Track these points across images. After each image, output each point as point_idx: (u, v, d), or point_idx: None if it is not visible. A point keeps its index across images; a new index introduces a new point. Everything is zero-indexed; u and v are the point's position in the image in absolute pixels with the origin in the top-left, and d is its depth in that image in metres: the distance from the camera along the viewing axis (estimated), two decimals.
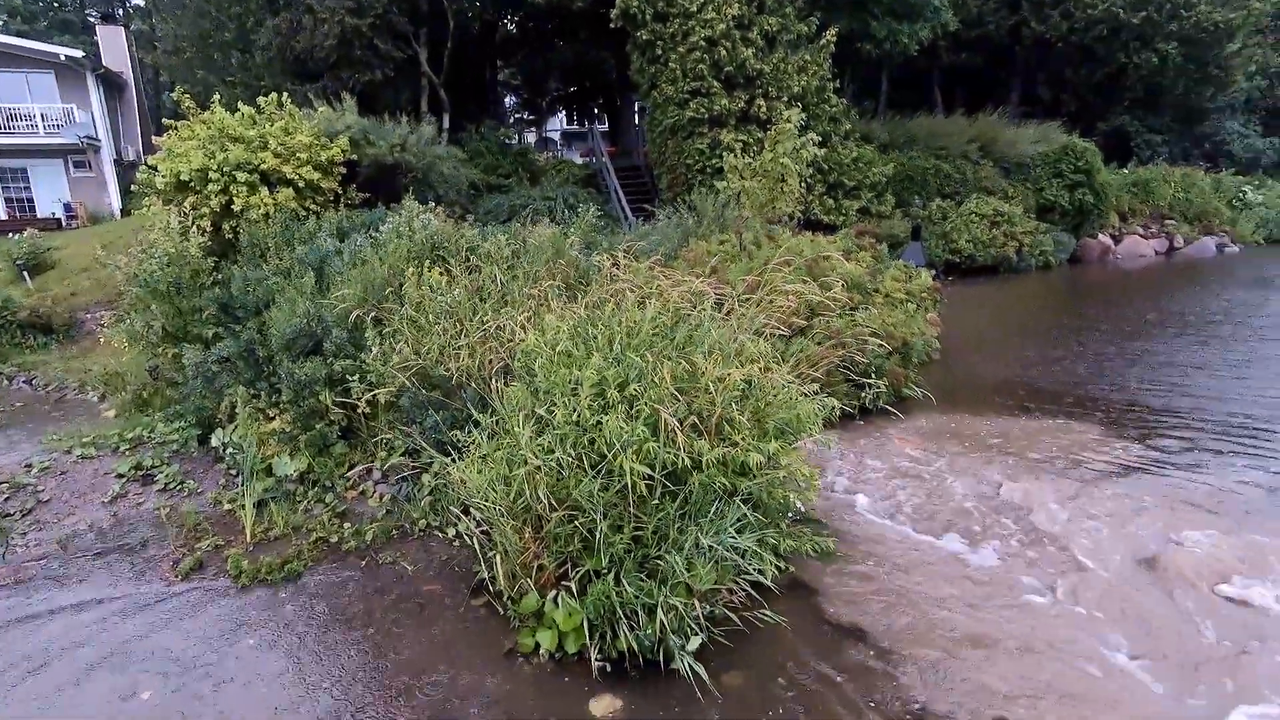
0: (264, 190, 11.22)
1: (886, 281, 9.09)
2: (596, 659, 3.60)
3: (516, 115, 31.72)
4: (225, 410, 6.49)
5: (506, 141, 20.44)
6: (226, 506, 5.60)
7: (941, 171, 19.16)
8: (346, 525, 5.26)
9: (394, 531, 5.19)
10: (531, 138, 33.77)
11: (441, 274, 6.78)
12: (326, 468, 5.84)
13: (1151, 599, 4.27)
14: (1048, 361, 9.93)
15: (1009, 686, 3.57)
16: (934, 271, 12.72)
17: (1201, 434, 6.92)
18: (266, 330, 6.73)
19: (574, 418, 4.12)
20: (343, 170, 12.53)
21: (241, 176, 10.97)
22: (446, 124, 18.20)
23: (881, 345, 7.28)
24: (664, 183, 16.76)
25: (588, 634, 3.65)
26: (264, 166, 11.27)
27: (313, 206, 11.74)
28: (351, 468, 5.96)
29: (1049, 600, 4.30)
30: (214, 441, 6.39)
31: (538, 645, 3.81)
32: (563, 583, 3.84)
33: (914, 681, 3.62)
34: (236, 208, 10.86)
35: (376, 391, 5.57)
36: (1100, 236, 20.88)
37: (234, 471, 6.03)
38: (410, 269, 6.73)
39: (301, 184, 11.63)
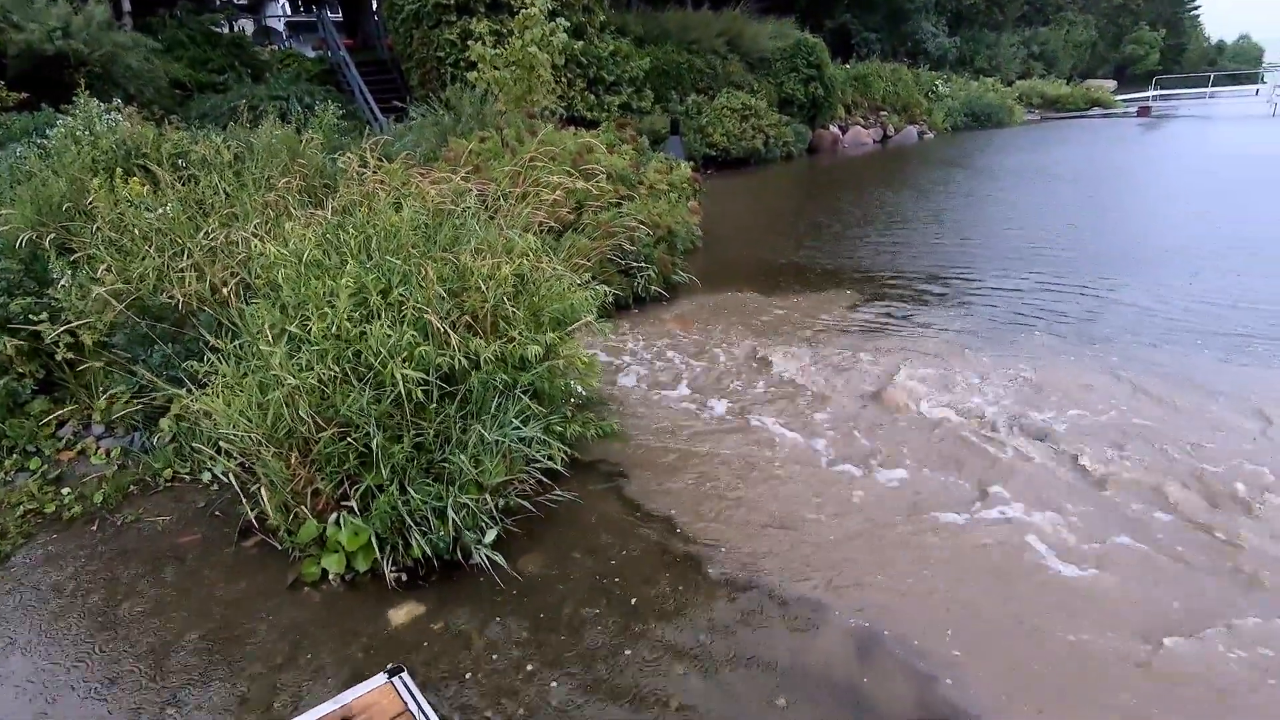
0: None
1: (649, 173, 9.35)
2: (391, 571, 3.52)
3: None
4: None
5: (215, 29, 17.17)
6: None
7: (695, 67, 19.77)
8: (66, 491, 4.45)
9: (131, 488, 4.50)
10: (249, 27, 28.67)
11: (143, 185, 5.67)
12: (24, 430, 4.82)
13: (871, 420, 5.12)
14: (797, 242, 11.08)
15: (766, 517, 4.13)
16: (693, 164, 13.33)
17: (918, 294, 8.28)
18: None
19: (333, 331, 3.79)
20: None
21: None
22: (127, 5, 14.78)
23: (649, 234, 7.57)
24: (414, 79, 15.36)
25: (378, 549, 3.53)
26: None
27: None
28: (62, 425, 4.99)
29: (797, 435, 4.97)
30: None
31: (325, 572, 3.61)
32: (343, 504, 3.63)
33: (698, 532, 4.04)
34: None
35: (73, 325, 4.63)
36: (831, 128, 23.22)
37: None
38: (98, 181, 5.53)
39: None
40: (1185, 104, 36.94)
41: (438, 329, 3.83)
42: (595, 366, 5.02)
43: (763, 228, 12.52)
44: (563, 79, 14.47)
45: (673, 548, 3.90)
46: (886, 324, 7.22)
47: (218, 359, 4.02)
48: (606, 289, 5.19)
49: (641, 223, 7.28)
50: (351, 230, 4.59)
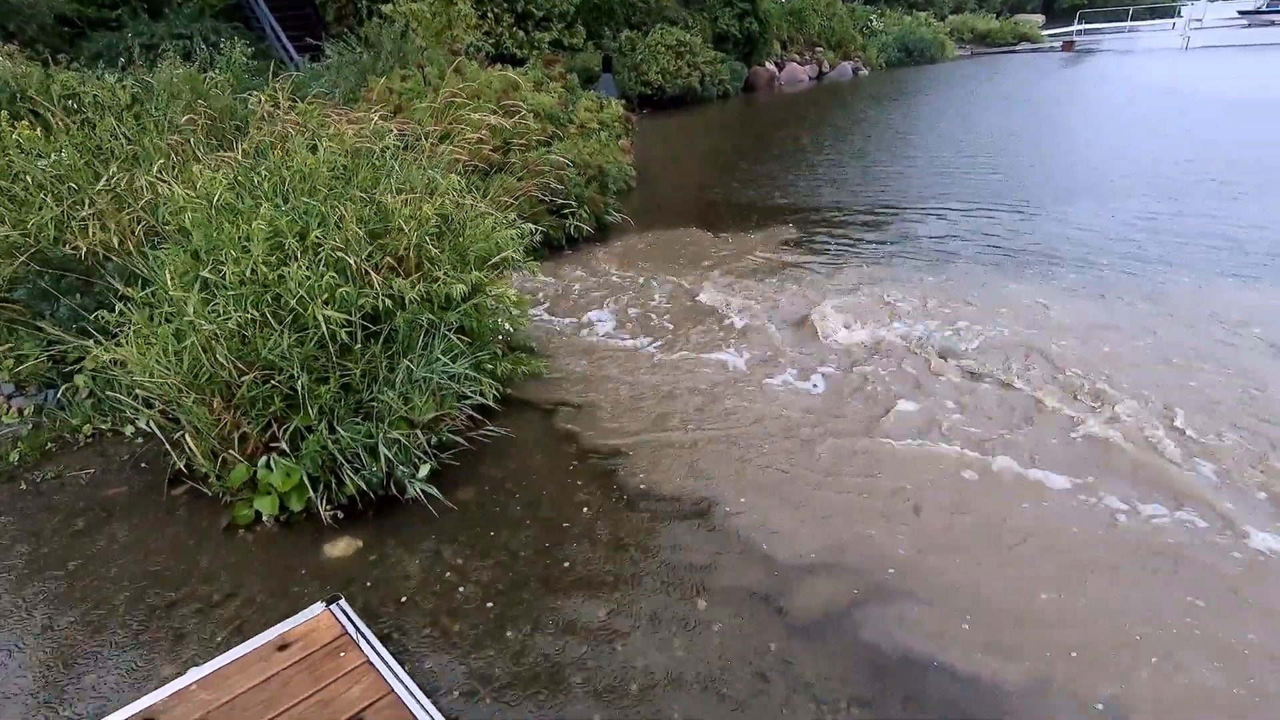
0: None
1: (579, 112, 9.21)
2: (326, 509, 3.58)
3: None
4: None
5: None
6: None
7: (628, 1, 19.21)
8: None
9: (50, 445, 4.39)
10: None
11: (33, 129, 5.32)
12: None
13: (795, 346, 5.36)
14: (733, 180, 11.14)
15: (699, 435, 4.33)
16: (628, 103, 13.13)
17: (848, 227, 8.50)
18: None
19: (249, 275, 3.73)
20: None
21: None
22: None
23: (579, 174, 7.52)
24: (330, 13, 14.51)
25: (311, 489, 3.58)
26: None
27: None
28: None
29: (722, 362, 5.17)
30: None
31: (258, 515, 3.66)
32: (272, 446, 3.65)
33: (624, 457, 4.21)
34: None
35: None
36: (767, 65, 23.06)
37: None
38: None
39: None
40: (1107, 38, 37.86)
41: (359, 270, 3.81)
42: (525, 305, 5.07)
43: (699, 167, 12.52)
44: (488, 14, 13.90)
45: (600, 472, 4.07)
46: (817, 256, 7.43)
47: (128, 308, 3.90)
48: (534, 227, 5.19)
49: (571, 162, 7.21)
50: (265, 173, 4.46)
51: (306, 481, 3.57)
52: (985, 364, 5.00)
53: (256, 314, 3.64)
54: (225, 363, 3.52)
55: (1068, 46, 34.80)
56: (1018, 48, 35.33)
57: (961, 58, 31.75)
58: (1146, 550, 3.34)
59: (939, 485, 3.83)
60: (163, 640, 3.02)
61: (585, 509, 3.77)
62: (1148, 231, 7.66)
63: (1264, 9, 39.06)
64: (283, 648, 2.73)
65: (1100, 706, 2.61)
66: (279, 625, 2.88)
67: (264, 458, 3.65)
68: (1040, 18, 43.78)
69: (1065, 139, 13.63)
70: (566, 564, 3.39)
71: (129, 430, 4.42)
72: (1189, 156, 10.98)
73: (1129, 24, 40.17)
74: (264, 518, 3.65)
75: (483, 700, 2.72)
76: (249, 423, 3.64)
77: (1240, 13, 40.49)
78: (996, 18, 39.35)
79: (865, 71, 26.48)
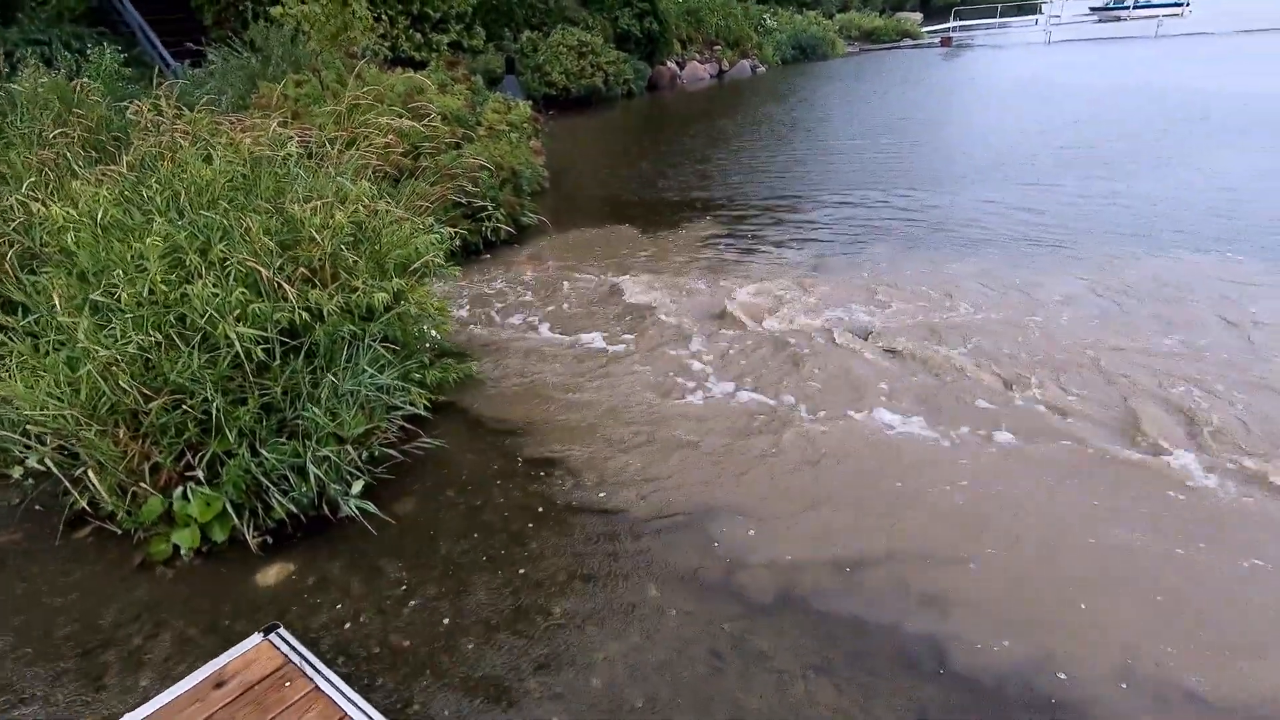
0: None
1: (487, 114, 9.07)
2: (253, 536, 3.40)
3: None
4: None
5: None
6: None
7: (526, 1, 19.04)
8: None
9: None
10: None
11: None
12: None
13: (716, 338, 5.49)
14: (644, 178, 11.24)
15: (631, 431, 4.37)
16: (534, 104, 13.02)
17: (763, 217, 8.75)
18: None
19: (147, 295, 3.49)
20: None
21: None
22: None
23: (492, 176, 7.41)
24: (208, 16, 13.66)
25: (235, 516, 3.39)
26: None
27: None
28: None
29: (646, 357, 5.24)
30: None
31: (177, 549, 3.42)
32: (188, 475, 3.42)
33: (559, 455, 4.20)
34: None
35: None
36: (669, 64, 23.39)
37: None
38: None
39: None
40: (980, 34, 40.58)
41: (271, 284, 3.63)
42: (447, 311, 4.96)
43: (610, 166, 12.57)
44: (383, 15, 13.47)
45: (536, 472, 4.04)
46: (732, 249, 7.62)
47: (8, 338, 3.57)
48: (452, 231, 5.09)
49: (484, 164, 7.10)
50: (155, 186, 4.18)
51: (230, 509, 3.37)
52: (898, 340, 5.28)
53: (159, 336, 3.41)
54: (129, 389, 3.27)
55: (945, 42, 37.05)
56: (901, 44, 37.32)
57: (851, 54, 33.22)
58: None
59: (864, 454, 4.03)
60: (81, 696, 2.78)
61: (525, 511, 3.74)
62: (1046, 210, 8.30)
63: (1110, 6, 42.94)
64: (220, 684, 2.57)
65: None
66: (213, 662, 2.71)
67: (180, 488, 3.42)
68: (919, 15, 46.35)
69: (958, 128, 14.53)
70: (511, 568, 3.35)
71: (17, 472, 4.02)
72: (1065, 143, 11.95)
73: (999, 20, 43.17)
74: (183, 552, 3.42)
75: (442, 715, 2.66)
76: (160, 452, 3.40)
77: (1091, 9, 44.36)
78: (880, 15, 41.38)
79: (763, 69, 27.30)
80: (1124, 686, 2.64)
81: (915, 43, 38.00)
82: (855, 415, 4.43)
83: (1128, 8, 41.49)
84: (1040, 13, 49.28)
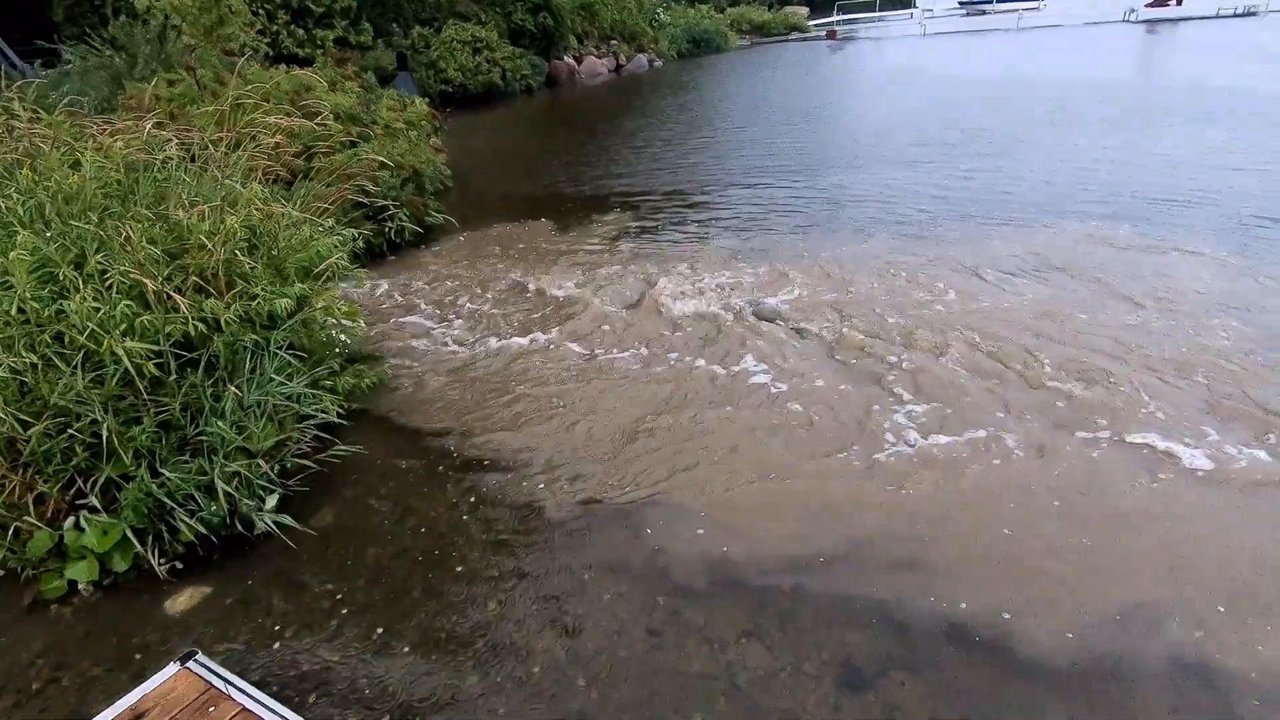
0: None
1: (382, 112, 8.78)
2: (160, 562, 3.20)
3: None
4: None
5: None
6: None
7: None
8: None
9: None
10: None
11: None
12: None
13: (632, 325, 5.58)
14: (550, 173, 11.19)
15: (555, 424, 4.38)
16: (430, 101, 12.69)
17: (670, 208, 8.89)
18: None
19: (15, 314, 3.21)
20: None
21: None
22: None
23: (393, 175, 7.20)
24: (58, 13, 12.51)
25: (137, 543, 3.18)
26: None
27: None
28: None
29: (567, 348, 5.27)
30: None
31: (73, 584, 3.18)
32: (79, 504, 3.18)
33: (480, 451, 4.17)
34: None
35: None
36: (566, 58, 23.30)
37: None
38: None
39: None
40: (862, 27, 42.58)
41: (158, 295, 3.42)
42: (356, 314, 4.80)
43: (513, 162, 12.43)
44: (261, 9, 12.75)
45: (459, 472, 4.00)
46: (643, 240, 7.72)
47: None
48: (355, 233, 4.92)
49: (383, 162, 6.88)
50: (15, 196, 3.84)
51: (130, 536, 3.16)
52: (801, 320, 5.52)
53: (34, 357, 3.15)
54: (3, 417, 3.01)
55: (831, 35, 38.70)
56: (790, 37, 38.69)
57: (744, 47, 34.16)
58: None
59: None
60: None
61: (451, 510, 3.69)
62: (938, 189, 8.84)
63: (976, 0, 46.05)
64: (139, 717, 2.43)
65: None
66: (128, 696, 2.55)
67: (70, 518, 3.18)
68: (805, 9, 48.17)
69: (853, 115, 15.23)
70: (442, 569, 3.31)
71: None
72: (948, 125, 12.77)
73: (879, 14, 45.42)
74: (81, 586, 3.18)
75: None
76: (45, 481, 3.15)
77: (960, 3, 47.40)
78: (769, 9, 42.71)
79: (660, 63, 27.64)
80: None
81: (804, 36, 39.49)
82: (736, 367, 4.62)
83: (991, 2, 44.65)
84: (914, 6, 52.24)
